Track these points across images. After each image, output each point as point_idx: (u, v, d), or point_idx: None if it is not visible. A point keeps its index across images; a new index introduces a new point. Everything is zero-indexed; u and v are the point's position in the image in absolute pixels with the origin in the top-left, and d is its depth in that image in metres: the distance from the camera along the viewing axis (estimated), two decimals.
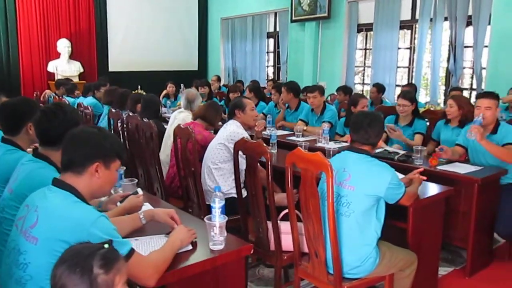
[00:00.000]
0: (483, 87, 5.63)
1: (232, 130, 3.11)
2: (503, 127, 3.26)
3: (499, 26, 5.35)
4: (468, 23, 5.73)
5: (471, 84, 5.99)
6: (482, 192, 2.98)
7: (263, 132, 4.56)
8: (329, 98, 6.93)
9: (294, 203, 2.29)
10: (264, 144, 2.41)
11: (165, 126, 4.23)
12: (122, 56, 9.52)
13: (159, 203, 2.41)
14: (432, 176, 3.04)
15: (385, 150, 3.60)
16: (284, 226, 2.46)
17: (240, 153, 2.59)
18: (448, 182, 2.94)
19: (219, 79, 8.87)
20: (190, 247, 1.78)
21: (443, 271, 3.18)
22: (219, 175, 3.08)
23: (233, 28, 9.89)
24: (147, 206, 2.28)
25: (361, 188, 2.18)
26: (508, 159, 3.13)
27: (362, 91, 7.52)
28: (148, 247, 1.79)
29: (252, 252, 1.82)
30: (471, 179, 2.96)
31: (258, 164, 2.50)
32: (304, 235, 2.26)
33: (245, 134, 3.06)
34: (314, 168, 2.04)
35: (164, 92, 7.43)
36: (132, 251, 1.48)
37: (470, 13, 5.67)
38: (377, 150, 3.60)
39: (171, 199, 3.39)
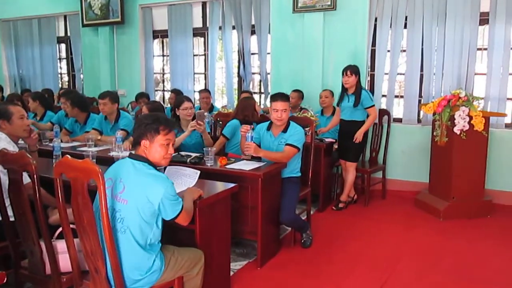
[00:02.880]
0: (269, 90, 6.19)
1: None
2: (292, 128, 3.60)
3: (277, 35, 5.94)
4: (253, 32, 6.22)
5: (260, 88, 6.52)
6: (265, 186, 3.21)
7: (51, 144, 4.13)
8: (129, 106, 6.71)
9: (68, 218, 2.05)
10: (28, 155, 2.10)
11: None
12: None
13: None
14: (222, 175, 3.17)
15: (178, 153, 3.61)
16: (62, 245, 2.21)
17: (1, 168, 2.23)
18: (235, 179, 3.07)
19: (1, 89, 7.75)
20: None
21: (238, 265, 3.33)
22: None
23: (16, 31, 8.73)
24: None
25: (134, 201, 2.02)
26: (285, 160, 3.47)
27: (163, 98, 7.49)
28: None
29: (5, 280, 1.55)
30: (254, 175, 3.16)
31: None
32: (82, 252, 2.05)
33: (11, 148, 2.66)
34: (84, 176, 1.86)
35: None
36: None
37: (253, 22, 6.16)
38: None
39: None
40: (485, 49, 4.99)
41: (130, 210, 2.01)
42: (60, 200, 1.99)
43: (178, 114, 4.11)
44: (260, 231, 3.26)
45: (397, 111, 5.56)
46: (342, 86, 4.62)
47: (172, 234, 2.45)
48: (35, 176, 2.03)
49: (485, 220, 4.44)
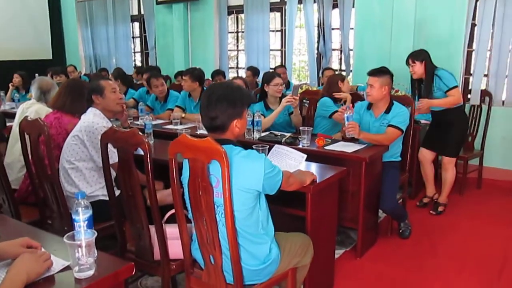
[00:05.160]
0: (351, 68, 5.83)
1: (87, 121, 2.60)
2: (396, 107, 3.29)
3: (362, 9, 5.54)
4: (334, 6, 5.85)
5: (340, 65, 6.17)
6: (368, 170, 2.95)
7: (136, 122, 4.09)
8: (204, 84, 6.60)
9: (182, 202, 1.90)
10: (140, 133, 1.96)
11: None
12: None
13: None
14: (320, 156, 2.93)
15: (271, 132, 3.41)
16: (170, 230, 2.07)
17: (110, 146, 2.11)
18: (335, 161, 2.84)
19: (76, 68, 7.93)
20: (48, 274, 1.30)
21: (336, 254, 3.10)
22: (77, 175, 2.55)
23: (91, 11, 8.86)
24: None
25: (236, 195, 1.74)
26: (387, 143, 3.18)
27: (237, 75, 7.32)
28: None
29: (134, 271, 1.41)
30: (359, 158, 2.90)
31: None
32: (197, 239, 1.89)
33: (105, 123, 2.58)
34: (205, 157, 1.68)
35: (11, 84, 6.37)
36: None
37: None
38: (262, 134, 3.41)
39: (23, 207, 2.75)
40: None
41: (234, 205, 1.74)
42: (175, 182, 1.83)
43: (266, 90, 3.90)
44: (361, 219, 3.01)
45: (499, 92, 5.00)
46: (411, 77, 3.99)
47: (276, 220, 2.25)
48: (148, 156, 1.88)
49: None
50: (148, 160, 1.89)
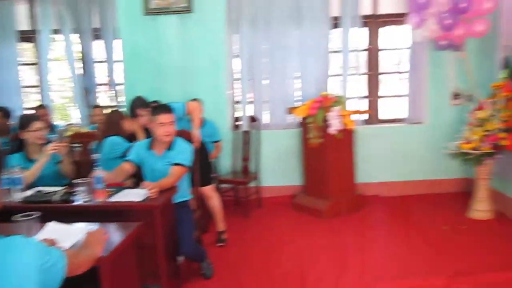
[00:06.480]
0: (120, 103, 5.45)
1: None
2: (178, 144, 3.10)
3: (128, 40, 5.21)
4: (96, 37, 5.39)
5: (109, 101, 5.71)
6: (163, 217, 2.68)
7: None
8: None
9: None
10: None
11: None
12: None
13: None
14: (105, 212, 2.52)
15: (39, 190, 2.78)
16: None
17: None
18: (124, 214, 2.51)
19: None
20: None
21: None
22: None
23: None
24: None
25: None
26: (175, 183, 2.98)
27: None
28: None
29: None
30: (151, 206, 2.60)
31: None
32: None
33: None
34: None
35: None
36: None
37: (97, 25, 5.34)
38: (27, 193, 2.74)
39: None
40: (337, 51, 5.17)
41: None
42: None
43: (25, 138, 3.20)
44: (163, 271, 2.70)
45: (263, 117, 5.42)
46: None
47: None
48: None
49: (364, 212, 4.66)
50: None
